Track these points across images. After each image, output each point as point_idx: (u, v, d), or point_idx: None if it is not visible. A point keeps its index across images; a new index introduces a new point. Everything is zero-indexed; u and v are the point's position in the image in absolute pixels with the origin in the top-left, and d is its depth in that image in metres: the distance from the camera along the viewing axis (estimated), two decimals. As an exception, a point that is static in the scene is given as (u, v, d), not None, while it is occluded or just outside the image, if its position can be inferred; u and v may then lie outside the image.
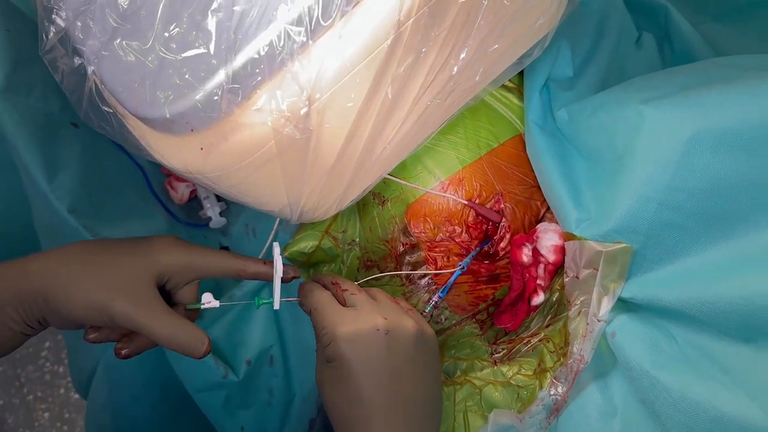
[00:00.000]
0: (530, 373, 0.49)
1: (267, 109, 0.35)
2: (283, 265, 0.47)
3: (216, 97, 0.34)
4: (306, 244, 0.57)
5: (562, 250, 0.49)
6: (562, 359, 0.47)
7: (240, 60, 0.34)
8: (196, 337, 0.43)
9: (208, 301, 0.47)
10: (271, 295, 0.47)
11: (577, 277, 0.46)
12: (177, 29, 0.34)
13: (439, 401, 0.45)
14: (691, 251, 0.41)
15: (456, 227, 0.54)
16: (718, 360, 0.39)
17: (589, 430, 0.43)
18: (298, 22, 0.34)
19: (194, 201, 0.67)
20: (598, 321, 0.44)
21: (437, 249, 0.54)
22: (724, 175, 0.39)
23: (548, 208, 0.54)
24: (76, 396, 1.11)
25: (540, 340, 0.50)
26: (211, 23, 0.34)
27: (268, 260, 0.47)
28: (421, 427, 0.43)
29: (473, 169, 0.54)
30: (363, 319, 0.43)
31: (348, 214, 0.59)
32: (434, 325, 0.56)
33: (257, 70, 0.34)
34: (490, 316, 0.56)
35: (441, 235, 0.54)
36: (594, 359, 0.45)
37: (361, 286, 0.47)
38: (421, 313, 0.54)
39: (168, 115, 0.34)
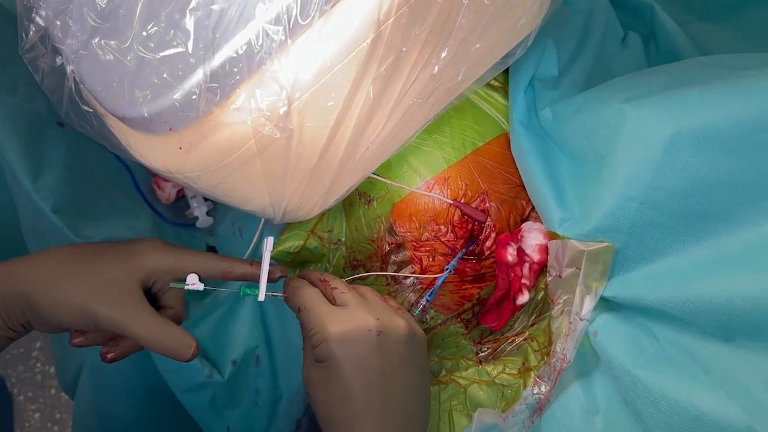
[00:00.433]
0: (515, 372, 0.49)
1: (246, 108, 0.35)
2: (271, 264, 0.47)
3: (194, 97, 0.34)
4: (291, 243, 0.57)
5: (546, 250, 0.49)
6: (545, 358, 0.47)
7: (218, 59, 0.34)
8: (182, 340, 0.43)
9: (193, 282, 0.46)
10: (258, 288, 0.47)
11: (559, 276, 0.47)
12: (155, 28, 0.34)
13: (428, 402, 0.45)
14: (673, 250, 0.42)
15: (441, 227, 0.54)
16: (699, 359, 0.39)
17: (572, 428, 0.43)
18: (277, 21, 0.34)
19: (181, 200, 0.67)
20: (581, 320, 0.44)
21: (423, 248, 0.54)
22: (704, 174, 0.39)
23: (533, 208, 0.54)
24: (67, 396, 1.11)
25: (524, 339, 0.50)
26: (190, 22, 0.34)
27: (255, 261, 0.47)
28: (409, 429, 0.43)
29: (459, 168, 0.54)
30: (354, 319, 0.42)
31: (334, 213, 0.59)
32: (419, 324, 0.56)
33: (235, 69, 0.34)
34: (475, 315, 0.56)
35: (426, 234, 0.54)
36: (577, 358, 0.45)
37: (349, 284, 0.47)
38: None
39: (146, 115, 0.34)
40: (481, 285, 0.54)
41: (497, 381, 0.50)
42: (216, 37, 0.34)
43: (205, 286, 0.46)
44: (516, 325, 0.52)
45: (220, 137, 0.36)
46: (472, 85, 0.48)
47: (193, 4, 0.34)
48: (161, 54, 0.34)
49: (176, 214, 0.66)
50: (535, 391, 0.46)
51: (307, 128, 0.39)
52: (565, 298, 0.46)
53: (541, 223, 0.50)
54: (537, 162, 0.49)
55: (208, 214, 0.66)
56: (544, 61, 0.54)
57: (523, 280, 0.50)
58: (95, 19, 0.36)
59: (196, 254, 0.46)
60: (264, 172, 0.40)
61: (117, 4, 0.35)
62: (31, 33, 0.38)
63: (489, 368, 0.51)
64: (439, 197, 0.53)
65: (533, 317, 0.51)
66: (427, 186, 0.54)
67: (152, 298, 0.46)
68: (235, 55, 0.34)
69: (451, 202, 0.53)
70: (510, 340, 0.51)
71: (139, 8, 0.35)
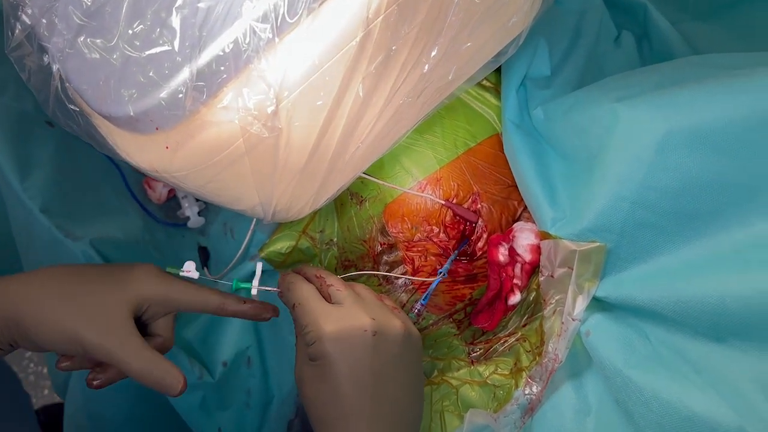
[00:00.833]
0: (507, 372, 0.49)
1: (234, 107, 0.35)
2: (261, 303, 0.46)
3: (181, 95, 0.33)
4: (283, 244, 0.57)
5: (538, 250, 0.49)
6: (537, 358, 0.47)
7: (205, 57, 0.33)
8: (171, 373, 0.41)
9: (188, 270, 0.46)
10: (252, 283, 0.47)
11: (552, 276, 0.46)
12: (141, 26, 0.34)
13: (421, 402, 0.45)
14: (665, 250, 0.41)
15: (434, 227, 0.53)
16: (691, 359, 0.39)
17: (563, 429, 0.43)
18: (264, 18, 0.33)
19: (172, 200, 0.67)
20: (573, 320, 0.44)
21: (415, 249, 0.54)
22: (696, 173, 0.39)
23: (525, 208, 0.54)
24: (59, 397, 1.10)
25: (517, 340, 0.50)
26: (176, 20, 0.33)
27: (249, 299, 0.46)
28: (401, 430, 0.42)
29: (451, 168, 0.54)
30: (350, 318, 0.42)
31: (326, 213, 0.59)
32: (412, 325, 0.56)
33: (222, 68, 0.34)
34: (467, 315, 0.55)
35: (419, 235, 0.53)
36: (569, 358, 0.44)
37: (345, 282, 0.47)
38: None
39: (132, 114, 0.34)
40: (473, 285, 0.54)
41: (489, 381, 0.49)
42: (203, 35, 0.33)
43: (199, 275, 0.46)
44: (508, 326, 0.52)
45: (208, 136, 0.36)
46: (463, 84, 0.48)
47: (179, 2, 0.33)
48: (147, 52, 0.34)
49: (167, 214, 0.65)
50: (526, 392, 0.46)
51: (296, 127, 0.38)
52: (557, 298, 0.46)
53: (533, 223, 0.50)
54: (529, 161, 0.49)
55: (199, 214, 0.65)
56: (536, 61, 0.54)
57: (515, 281, 0.50)
58: (81, 17, 0.36)
59: (190, 287, 0.45)
60: (252, 171, 0.39)
61: (103, 2, 0.35)
62: (17, 31, 0.38)
63: (481, 369, 0.50)
64: (431, 198, 0.53)
65: (525, 317, 0.51)
66: (420, 186, 0.54)
67: (141, 325, 0.45)
68: (221, 53, 0.33)
69: (443, 202, 0.53)
70: (502, 341, 0.51)
71: (125, 6, 0.34)
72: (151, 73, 0.34)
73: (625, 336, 0.42)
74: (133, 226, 0.59)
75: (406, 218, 0.54)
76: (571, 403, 0.44)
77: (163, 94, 0.33)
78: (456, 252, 0.53)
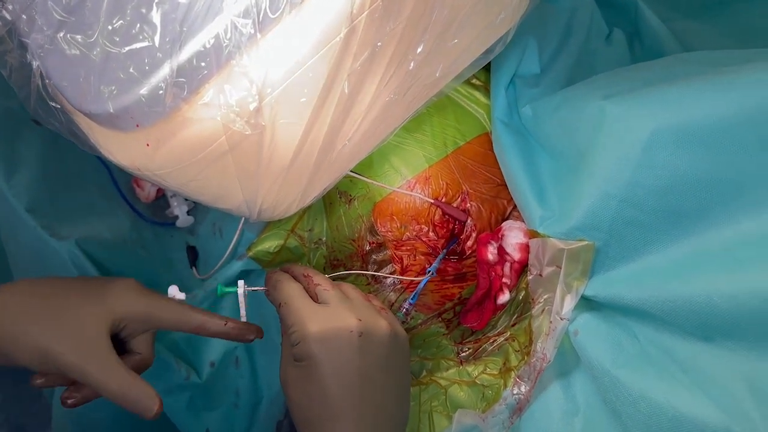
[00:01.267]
0: (495, 372, 0.49)
1: (215, 104, 0.34)
2: (245, 324, 0.45)
3: (161, 92, 0.33)
4: (271, 243, 0.56)
5: (527, 248, 0.49)
6: (526, 358, 0.46)
7: (186, 53, 0.33)
8: (147, 394, 0.40)
9: (173, 295, 0.46)
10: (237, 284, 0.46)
11: (540, 275, 0.46)
12: (121, 22, 0.33)
13: (407, 404, 0.45)
14: (653, 249, 0.41)
15: (423, 226, 0.53)
16: (679, 359, 0.39)
17: (551, 429, 0.43)
18: (245, 14, 0.33)
19: (161, 199, 0.66)
20: (561, 319, 0.43)
21: (404, 248, 0.53)
22: (683, 171, 0.39)
23: (515, 206, 0.54)
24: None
25: (506, 339, 0.50)
26: (156, 16, 0.33)
27: (231, 318, 0.45)
28: (388, 431, 0.42)
29: (440, 167, 0.53)
30: (336, 319, 0.41)
31: (314, 212, 0.58)
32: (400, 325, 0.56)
33: (203, 64, 0.33)
34: (456, 315, 0.55)
35: (408, 234, 0.53)
36: (557, 358, 0.44)
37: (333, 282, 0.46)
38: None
39: (112, 110, 0.33)
40: (462, 284, 0.54)
41: (478, 381, 0.49)
42: (183, 30, 0.33)
43: (186, 295, 0.46)
44: (498, 325, 0.52)
45: (189, 134, 0.35)
46: (451, 82, 0.47)
47: (160, -4, 0.33)
48: (127, 48, 0.33)
49: (156, 213, 0.65)
50: (515, 392, 0.46)
51: (281, 125, 0.38)
52: (545, 297, 0.46)
53: (522, 222, 0.50)
54: (518, 160, 0.49)
55: (188, 213, 0.65)
56: (526, 59, 0.54)
57: (504, 279, 0.50)
58: (61, 13, 0.35)
59: (171, 305, 0.44)
60: (236, 169, 0.39)
61: (83, -3, 0.35)
62: (-2, 27, 0.38)
63: (470, 368, 0.50)
64: (421, 197, 0.53)
65: (515, 317, 0.50)
66: (409, 185, 0.53)
67: (119, 342, 0.44)
68: (202, 49, 0.33)
69: (432, 201, 0.52)
70: (491, 340, 0.51)
71: (105, 2, 0.34)
72: (131, 69, 0.33)
73: (613, 335, 0.41)
74: (120, 225, 0.59)
75: (395, 217, 0.53)
76: (559, 403, 0.43)
77: (143, 90, 0.33)
78: (445, 251, 0.53)
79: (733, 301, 0.35)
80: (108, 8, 0.34)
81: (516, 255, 0.49)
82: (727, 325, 0.36)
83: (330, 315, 0.41)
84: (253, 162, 0.39)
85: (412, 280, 0.53)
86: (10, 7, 0.37)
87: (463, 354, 0.52)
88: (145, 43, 0.33)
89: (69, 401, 0.43)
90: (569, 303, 0.43)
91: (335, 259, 0.58)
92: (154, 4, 0.33)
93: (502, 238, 0.50)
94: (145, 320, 0.43)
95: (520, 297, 0.50)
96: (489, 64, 0.53)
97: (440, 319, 0.55)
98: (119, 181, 0.63)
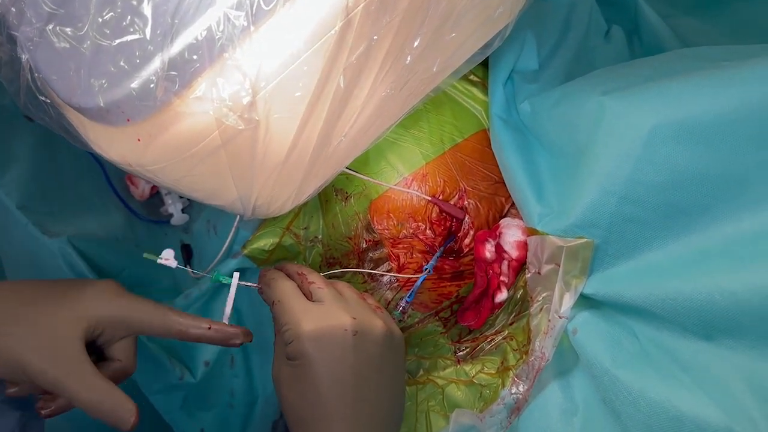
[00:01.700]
0: (493, 371, 0.48)
1: (208, 97, 0.34)
2: (231, 327, 0.44)
3: (152, 85, 0.32)
4: (266, 241, 0.56)
5: (525, 246, 0.48)
6: (524, 357, 0.46)
7: (177, 46, 0.32)
8: (123, 406, 0.38)
9: (167, 258, 0.43)
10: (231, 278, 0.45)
11: (538, 273, 0.45)
12: (112, 14, 0.33)
13: (402, 404, 0.44)
14: (653, 246, 0.40)
15: (420, 224, 0.52)
16: (679, 358, 0.38)
17: (550, 428, 0.42)
18: (238, 6, 0.32)
19: (156, 197, 0.65)
20: (560, 318, 0.43)
21: (400, 246, 0.53)
22: (684, 167, 0.38)
23: (513, 204, 0.53)
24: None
25: (504, 338, 0.49)
26: (147, 8, 0.32)
27: (216, 322, 0.44)
28: (382, 431, 0.41)
29: (437, 164, 0.53)
30: (330, 317, 0.41)
31: (310, 210, 0.58)
32: (397, 323, 0.55)
33: (195, 57, 0.32)
34: (453, 313, 0.54)
35: (404, 231, 0.52)
36: (556, 357, 0.43)
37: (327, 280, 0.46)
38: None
39: (102, 104, 0.33)
40: (460, 283, 0.53)
41: (475, 381, 0.48)
42: (175, 23, 0.32)
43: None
44: (495, 324, 0.51)
45: (181, 128, 0.35)
46: (448, 78, 0.47)
47: (151, -12, 0.32)
48: (118, 41, 0.33)
49: (150, 211, 0.64)
50: (513, 391, 0.45)
51: (275, 119, 0.37)
52: (544, 295, 0.45)
53: (521, 219, 0.49)
54: (516, 157, 0.48)
55: (183, 211, 0.64)
56: (524, 55, 0.53)
57: (502, 278, 0.49)
58: (50, 5, 0.34)
59: (151, 307, 0.42)
60: (230, 164, 0.38)
61: (73, -12, 0.34)
62: (-14, 21, 0.37)
63: (467, 368, 0.50)
64: (417, 194, 0.52)
65: (512, 315, 0.50)
66: (405, 182, 0.53)
67: (98, 349, 0.42)
68: (194, 41, 0.32)
69: (430, 198, 0.52)
70: (489, 339, 0.50)
71: (96, -7, 0.33)
72: (121, 63, 0.33)
73: (612, 334, 0.41)
74: (113, 223, 0.58)
75: (391, 215, 0.53)
76: (557, 402, 0.43)
77: (134, 84, 0.32)
78: (442, 249, 0.52)
79: (734, 298, 0.34)
80: (98, 0, 0.33)
81: (514, 253, 0.48)
82: (728, 323, 0.35)
83: (324, 313, 0.41)
84: (246, 158, 0.38)
85: (409, 278, 0.53)
86: (-1, 0, 0.37)
87: (461, 353, 0.52)
88: (136, 36, 0.32)
89: (43, 411, 0.41)
90: (568, 301, 0.43)
91: (331, 258, 0.57)
92: (146, -4, 0.32)
93: (500, 236, 0.49)
94: (122, 325, 0.41)
95: (518, 295, 0.50)
96: (487, 59, 0.52)
97: (437, 317, 0.55)
98: (113, 179, 0.62)
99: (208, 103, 0.34)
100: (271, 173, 0.41)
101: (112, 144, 0.37)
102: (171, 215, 0.63)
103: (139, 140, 0.35)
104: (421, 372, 0.52)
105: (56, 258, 0.51)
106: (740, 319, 0.34)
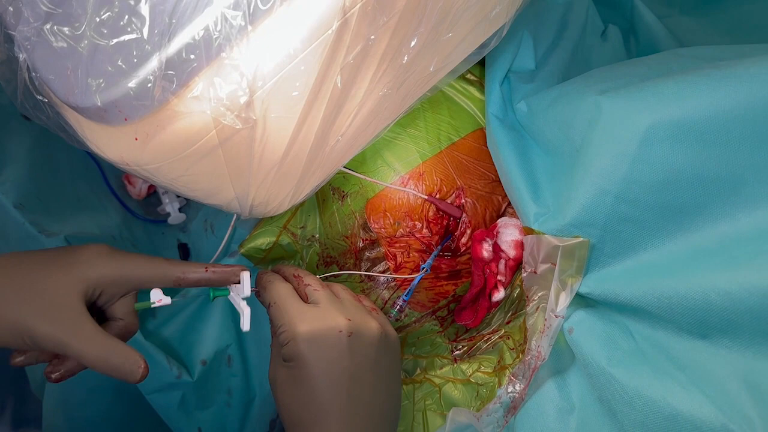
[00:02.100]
0: (490, 370, 0.48)
1: (205, 97, 0.34)
2: (229, 266, 0.44)
3: (149, 85, 0.32)
4: (263, 240, 0.56)
5: (522, 246, 0.48)
6: (521, 356, 0.46)
7: (175, 45, 0.32)
8: (130, 358, 0.39)
9: (159, 299, 0.43)
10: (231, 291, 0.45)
11: (534, 272, 0.45)
12: (109, 13, 0.33)
13: (398, 405, 0.44)
14: (648, 245, 0.41)
15: (416, 222, 0.52)
16: (675, 357, 0.38)
17: (546, 427, 0.42)
18: (236, 5, 0.32)
19: (153, 196, 0.65)
20: (556, 317, 0.43)
21: (397, 244, 0.53)
22: (679, 167, 0.38)
23: (510, 203, 0.53)
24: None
25: (500, 337, 0.49)
26: (145, 7, 0.32)
27: (212, 264, 0.44)
28: None
29: (434, 163, 0.53)
30: (325, 319, 0.41)
31: (307, 209, 0.58)
32: (394, 322, 0.55)
33: (193, 56, 0.32)
34: (450, 312, 0.55)
35: (401, 230, 0.53)
36: (552, 356, 0.44)
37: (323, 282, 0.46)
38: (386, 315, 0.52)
39: (99, 104, 0.33)
40: (457, 282, 0.53)
41: (472, 380, 0.49)
42: (172, 22, 0.32)
43: (172, 299, 0.44)
44: (492, 323, 0.51)
45: (178, 128, 0.35)
46: (445, 77, 0.47)
47: (148, -12, 0.32)
48: (115, 40, 0.33)
49: (147, 211, 0.64)
50: (509, 390, 0.45)
51: (272, 119, 0.37)
52: (540, 294, 0.45)
53: (517, 218, 0.49)
54: (512, 156, 0.48)
55: (180, 210, 0.64)
56: (521, 54, 0.53)
57: (499, 277, 0.49)
58: (48, 4, 0.34)
59: (145, 260, 0.42)
60: (227, 164, 0.38)
61: (70, -12, 0.34)
62: (-17, 20, 0.37)
63: (464, 367, 0.50)
64: (414, 193, 0.52)
65: (509, 314, 0.50)
66: (402, 181, 0.53)
67: (98, 311, 0.42)
68: (192, 41, 0.32)
69: (426, 197, 0.52)
70: (485, 338, 0.50)
71: (93, -7, 0.33)
72: (119, 62, 0.33)
73: (608, 333, 0.41)
74: (110, 222, 0.58)
75: (388, 213, 0.53)
76: (554, 401, 0.43)
77: (132, 83, 0.32)
78: (439, 248, 0.52)
79: (730, 297, 0.34)
80: (96, 0, 0.33)
81: (511, 252, 0.48)
82: (724, 322, 0.35)
83: (319, 315, 0.41)
84: (244, 157, 0.39)
85: (405, 278, 0.53)
86: (-4, -1, 0.37)
87: (458, 352, 0.52)
88: (134, 36, 0.32)
89: (53, 375, 0.42)
90: (564, 300, 0.43)
91: (328, 257, 0.57)
92: (143, -4, 0.32)
93: (497, 235, 0.49)
94: (120, 282, 0.41)
95: (515, 294, 0.50)
96: (483, 59, 0.52)
97: (434, 316, 0.55)
98: (110, 178, 0.62)
99: (206, 102, 0.34)
100: (268, 172, 0.41)
101: (109, 143, 0.37)
102: (168, 214, 0.63)
103: (136, 139, 0.35)
104: (418, 371, 0.52)
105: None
106: (736, 318, 0.34)
